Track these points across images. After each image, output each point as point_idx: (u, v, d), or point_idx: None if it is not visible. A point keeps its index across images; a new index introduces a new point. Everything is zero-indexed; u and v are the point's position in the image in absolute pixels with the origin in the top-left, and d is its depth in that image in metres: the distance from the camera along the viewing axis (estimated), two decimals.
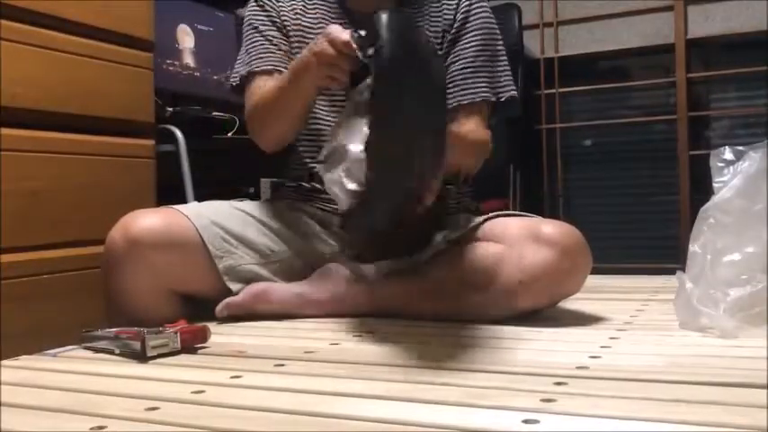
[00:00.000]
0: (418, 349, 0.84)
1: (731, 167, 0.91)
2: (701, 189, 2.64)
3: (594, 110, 2.99)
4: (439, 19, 1.23)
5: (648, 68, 2.89)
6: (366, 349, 0.88)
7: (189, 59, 2.63)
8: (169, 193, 1.72)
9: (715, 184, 0.92)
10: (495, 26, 1.26)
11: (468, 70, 1.21)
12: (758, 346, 0.78)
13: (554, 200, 2.96)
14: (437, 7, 1.24)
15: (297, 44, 1.24)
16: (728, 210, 0.89)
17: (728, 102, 2.83)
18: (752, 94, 2.72)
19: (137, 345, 0.84)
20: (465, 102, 1.20)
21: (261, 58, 1.24)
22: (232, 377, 0.73)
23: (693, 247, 0.90)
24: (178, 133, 2.11)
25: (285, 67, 1.22)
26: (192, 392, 0.66)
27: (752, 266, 0.86)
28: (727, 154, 0.92)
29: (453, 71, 1.21)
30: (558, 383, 0.66)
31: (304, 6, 1.26)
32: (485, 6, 1.26)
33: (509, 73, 1.26)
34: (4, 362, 0.84)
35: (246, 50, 1.27)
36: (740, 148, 0.92)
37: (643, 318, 1.02)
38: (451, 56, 1.22)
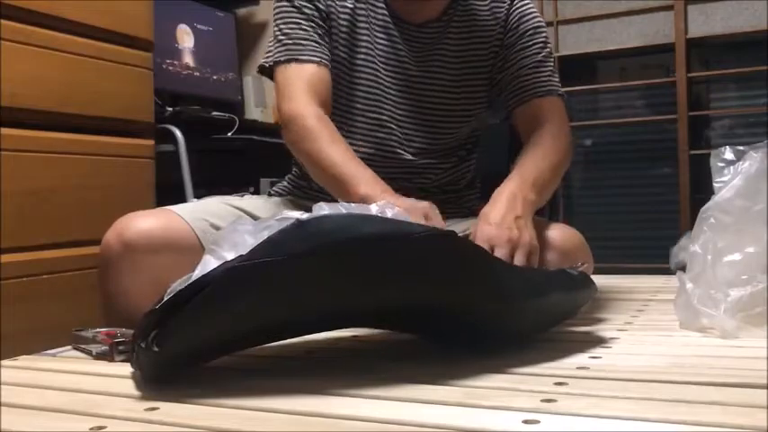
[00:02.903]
0: (418, 348, 0.84)
1: (731, 167, 0.91)
2: (701, 189, 2.64)
3: (594, 110, 2.99)
4: (490, 22, 1.22)
5: (648, 68, 2.89)
6: (366, 349, 0.88)
7: (189, 59, 2.63)
8: (169, 193, 1.72)
9: (715, 184, 0.92)
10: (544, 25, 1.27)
11: (537, 67, 1.21)
12: (758, 347, 0.78)
13: (554, 199, 2.96)
14: (486, 11, 1.23)
15: (343, 44, 1.20)
16: (729, 210, 0.89)
17: (728, 102, 2.83)
18: (752, 93, 2.72)
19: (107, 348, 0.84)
20: (540, 94, 1.20)
21: (302, 45, 1.16)
22: (231, 377, 0.73)
23: (693, 247, 0.90)
24: (178, 133, 2.11)
25: (327, 62, 1.16)
26: (191, 392, 0.66)
27: (752, 266, 0.86)
28: (728, 154, 0.92)
29: (519, 69, 1.21)
30: (559, 383, 0.66)
31: (354, 8, 1.21)
32: (532, 6, 1.26)
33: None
34: (4, 362, 0.84)
35: (283, 32, 1.18)
36: (740, 147, 0.92)
37: (643, 318, 1.02)
38: (510, 57, 1.22)
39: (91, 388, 0.71)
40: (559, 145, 1.16)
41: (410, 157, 1.22)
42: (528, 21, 1.23)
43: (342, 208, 0.72)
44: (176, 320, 0.63)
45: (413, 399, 0.63)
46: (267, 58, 1.19)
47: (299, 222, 0.64)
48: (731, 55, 2.74)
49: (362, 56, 1.20)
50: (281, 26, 1.18)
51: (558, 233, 1.06)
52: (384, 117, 1.21)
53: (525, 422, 0.55)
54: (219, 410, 0.62)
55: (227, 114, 2.46)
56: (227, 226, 0.72)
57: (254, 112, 2.94)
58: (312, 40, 1.17)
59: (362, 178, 1.04)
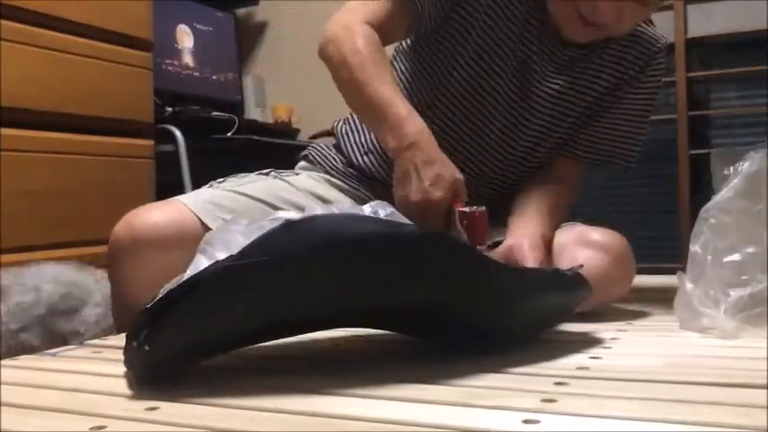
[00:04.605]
0: (417, 348, 0.84)
1: (732, 167, 0.91)
2: (701, 189, 2.64)
3: None
4: (623, 71, 1.18)
5: None
6: (366, 349, 0.88)
7: (189, 59, 2.63)
8: (169, 193, 1.72)
9: (715, 184, 0.92)
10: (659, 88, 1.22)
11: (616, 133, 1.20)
12: (758, 347, 0.78)
13: None
14: (627, 42, 1.17)
15: (470, 31, 1.13)
16: (729, 210, 0.89)
17: (728, 102, 2.83)
18: (752, 93, 2.72)
19: None
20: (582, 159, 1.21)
21: None
22: (231, 377, 0.73)
23: (693, 247, 0.90)
24: (178, 133, 2.11)
25: (428, 9, 1.09)
26: (191, 392, 0.66)
27: (752, 267, 0.86)
28: (728, 154, 0.92)
29: (594, 123, 1.19)
30: (559, 383, 0.66)
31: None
32: (663, 65, 1.21)
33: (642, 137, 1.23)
34: (4, 361, 0.84)
35: None
36: (741, 147, 0.92)
37: (643, 318, 1.02)
38: (609, 103, 1.19)
39: (91, 388, 0.71)
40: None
41: (480, 169, 1.19)
42: (653, 85, 1.20)
43: (335, 210, 0.72)
44: (166, 321, 0.63)
45: (412, 398, 0.63)
46: None
47: (288, 223, 0.64)
48: (731, 55, 2.74)
49: (499, 56, 1.14)
50: None
51: (606, 236, 1.06)
52: (485, 110, 1.16)
53: (525, 422, 0.55)
54: (219, 410, 0.62)
55: (227, 114, 2.46)
56: (220, 225, 0.72)
57: (254, 112, 2.94)
58: None
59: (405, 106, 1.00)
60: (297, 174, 1.26)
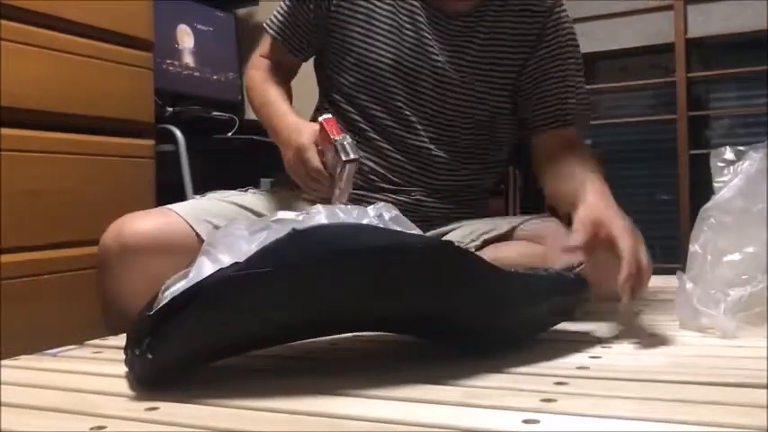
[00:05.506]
0: (418, 348, 0.84)
1: (731, 167, 0.91)
2: (701, 189, 2.64)
3: (595, 110, 3.00)
4: (524, 27, 1.21)
5: (648, 68, 2.89)
6: (366, 349, 0.88)
7: (189, 59, 2.63)
8: (169, 193, 1.72)
9: (715, 184, 0.92)
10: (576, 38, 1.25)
11: (565, 91, 1.21)
12: (758, 347, 0.78)
13: None
14: (523, 14, 1.21)
15: (362, 19, 1.22)
16: (729, 210, 0.89)
17: (728, 101, 2.83)
18: (752, 93, 2.72)
19: None
20: (568, 122, 1.21)
21: (283, 24, 1.28)
22: (231, 377, 0.73)
23: (693, 247, 0.90)
24: (178, 133, 2.11)
25: (297, 44, 1.28)
26: (191, 392, 0.66)
27: (752, 266, 0.86)
28: (728, 154, 0.92)
29: (549, 88, 1.21)
30: (559, 383, 0.66)
31: None
32: (569, 19, 1.24)
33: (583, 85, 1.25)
34: (4, 362, 0.84)
35: (282, 7, 1.28)
36: (741, 147, 0.92)
37: (643, 318, 1.02)
38: (540, 72, 1.21)
39: (91, 388, 0.71)
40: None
41: (421, 143, 1.21)
42: (565, 36, 1.22)
43: (338, 211, 0.72)
44: (169, 328, 0.63)
45: (413, 398, 0.63)
46: (271, 20, 1.30)
47: (294, 232, 0.64)
48: (731, 55, 2.74)
49: (383, 35, 1.20)
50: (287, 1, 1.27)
51: None
52: (399, 102, 1.20)
53: (525, 422, 0.55)
54: (219, 410, 0.62)
55: (227, 114, 2.46)
56: (223, 227, 0.72)
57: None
58: (304, 28, 1.26)
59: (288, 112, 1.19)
60: (272, 192, 1.29)
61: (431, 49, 1.19)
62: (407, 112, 1.21)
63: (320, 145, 1.09)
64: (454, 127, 1.22)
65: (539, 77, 1.21)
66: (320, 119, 1.09)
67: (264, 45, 1.32)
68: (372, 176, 1.22)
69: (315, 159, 1.07)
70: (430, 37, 1.20)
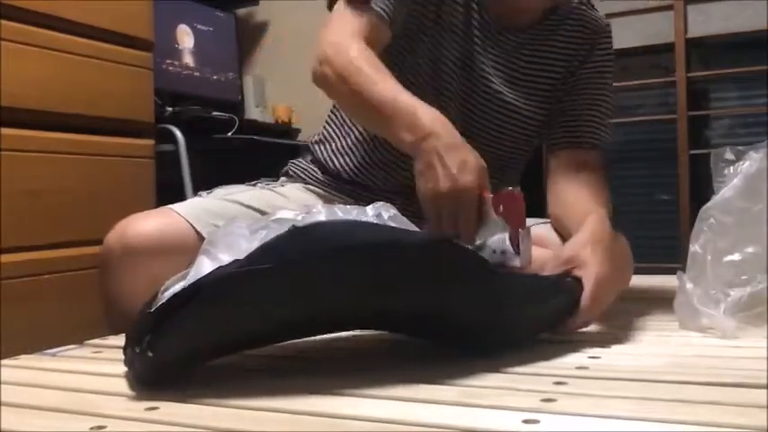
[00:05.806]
0: (416, 348, 0.84)
1: (731, 167, 0.91)
2: (701, 189, 2.64)
3: None
4: (572, 48, 1.20)
5: (648, 68, 2.88)
6: (365, 348, 0.88)
7: (189, 59, 2.63)
8: (169, 193, 1.72)
9: (715, 184, 0.92)
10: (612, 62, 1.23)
11: (593, 112, 1.20)
12: (758, 347, 0.78)
13: None
14: (575, 36, 1.20)
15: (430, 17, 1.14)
16: (729, 210, 0.89)
17: (728, 101, 2.83)
18: (752, 93, 2.72)
19: None
20: (587, 146, 1.19)
21: (393, 5, 1.08)
22: (231, 377, 0.73)
23: (693, 247, 0.90)
24: (178, 133, 2.11)
25: (392, 21, 1.08)
26: (191, 392, 0.66)
27: (752, 266, 0.86)
28: (728, 154, 0.92)
29: (577, 107, 1.20)
30: (558, 383, 0.66)
31: None
32: (610, 43, 1.23)
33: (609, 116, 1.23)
34: (4, 361, 0.84)
35: None
36: (741, 147, 0.92)
37: (643, 318, 1.02)
38: (574, 90, 1.20)
39: (91, 388, 0.71)
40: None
41: None
42: (608, 62, 1.21)
43: (338, 211, 0.72)
44: (170, 326, 0.63)
45: (412, 398, 0.63)
46: None
47: (294, 229, 0.64)
48: (731, 55, 2.74)
49: (434, 40, 1.16)
50: None
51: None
52: (441, 102, 1.16)
53: (525, 422, 0.55)
54: (219, 410, 0.62)
55: (227, 114, 2.46)
56: (223, 226, 0.72)
57: (254, 112, 2.94)
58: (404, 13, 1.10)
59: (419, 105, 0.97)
60: (282, 185, 1.28)
61: (482, 66, 1.17)
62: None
63: (484, 204, 0.92)
64: (492, 138, 1.21)
65: (573, 95, 1.20)
66: (509, 191, 0.92)
67: (353, 23, 1.07)
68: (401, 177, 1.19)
69: (474, 212, 0.91)
70: (479, 48, 1.17)
